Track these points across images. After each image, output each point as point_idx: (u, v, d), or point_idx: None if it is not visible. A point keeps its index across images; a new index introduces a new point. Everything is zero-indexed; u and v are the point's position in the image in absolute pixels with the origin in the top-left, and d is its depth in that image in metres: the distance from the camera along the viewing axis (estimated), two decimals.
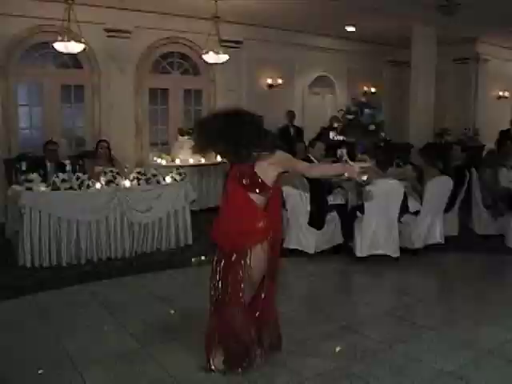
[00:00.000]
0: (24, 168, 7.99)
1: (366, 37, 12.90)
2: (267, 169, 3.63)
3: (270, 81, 12.38)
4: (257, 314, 3.90)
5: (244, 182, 3.63)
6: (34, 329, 4.72)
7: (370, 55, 13.89)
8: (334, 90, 13.80)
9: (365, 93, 13.53)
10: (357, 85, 13.99)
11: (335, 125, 9.78)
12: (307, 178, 6.61)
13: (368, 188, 6.40)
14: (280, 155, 3.67)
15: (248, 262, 3.64)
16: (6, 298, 5.44)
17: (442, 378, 3.77)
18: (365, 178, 3.48)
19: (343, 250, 7.06)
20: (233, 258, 3.67)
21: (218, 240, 3.83)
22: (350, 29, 12.09)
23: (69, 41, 8.12)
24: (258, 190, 3.62)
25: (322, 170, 4.06)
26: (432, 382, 3.73)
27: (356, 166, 3.46)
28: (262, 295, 3.90)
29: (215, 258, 3.83)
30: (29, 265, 6.37)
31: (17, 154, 9.06)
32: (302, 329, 4.70)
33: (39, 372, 3.88)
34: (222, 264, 3.75)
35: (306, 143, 8.27)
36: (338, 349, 4.30)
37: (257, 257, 3.65)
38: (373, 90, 14.26)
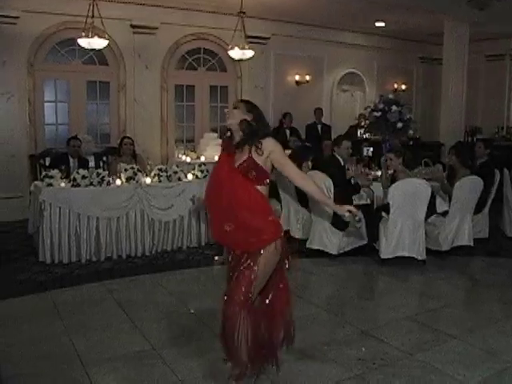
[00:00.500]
0: (48, 164, 8.02)
1: (397, 33, 12.63)
2: (265, 158, 3.31)
3: (297, 77, 12.20)
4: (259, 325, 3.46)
5: (250, 175, 3.29)
6: (48, 325, 4.69)
7: (401, 52, 13.61)
8: (364, 87, 13.55)
9: (395, 90, 13.28)
10: (387, 82, 13.74)
11: (363, 123, 9.56)
12: (332, 178, 6.48)
13: (392, 187, 6.23)
14: (278, 148, 3.38)
15: (260, 264, 3.27)
16: (23, 294, 5.45)
17: None
18: (356, 218, 3.61)
19: (367, 251, 6.88)
20: (243, 261, 3.33)
21: (224, 241, 3.52)
22: (380, 24, 11.85)
23: (92, 37, 8.09)
24: (266, 181, 3.34)
25: (310, 190, 3.51)
26: None
27: (345, 208, 3.44)
28: (267, 301, 3.53)
29: (229, 260, 3.52)
30: (48, 261, 6.37)
31: (42, 150, 9.08)
32: (321, 333, 4.57)
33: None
34: (233, 265, 3.44)
35: None
36: (355, 356, 4.12)
37: (270, 258, 3.29)
38: (403, 87, 13.98)
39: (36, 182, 7.06)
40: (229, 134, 3.44)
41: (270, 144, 3.32)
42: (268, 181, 3.35)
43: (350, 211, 3.44)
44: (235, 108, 3.43)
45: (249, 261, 3.29)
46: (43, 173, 6.74)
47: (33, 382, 3.68)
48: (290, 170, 3.40)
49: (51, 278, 5.98)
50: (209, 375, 3.76)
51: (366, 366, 3.93)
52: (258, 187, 3.30)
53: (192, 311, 5.05)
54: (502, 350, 4.23)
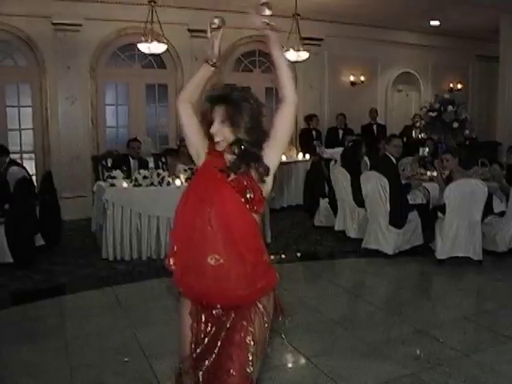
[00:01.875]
0: (109, 165, 8.32)
1: (452, 31, 12.41)
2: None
3: (352, 78, 12.20)
4: None
5: (247, 196, 2.33)
6: (112, 319, 4.95)
7: (456, 50, 13.37)
8: (419, 87, 13.42)
9: (450, 89, 13.09)
10: (442, 81, 13.55)
11: (418, 123, 9.52)
12: (387, 179, 6.51)
13: (449, 187, 6.23)
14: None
15: (257, 324, 2.35)
16: (88, 288, 5.74)
17: None
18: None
19: (423, 251, 6.87)
20: (229, 321, 2.35)
21: (191, 290, 2.38)
22: (434, 23, 11.72)
23: (152, 42, 8.35)
24: (261, 209, 2.39)
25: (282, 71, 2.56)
26: None
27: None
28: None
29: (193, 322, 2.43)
30: (111, 258, 6.63)
31: (104, 152, 9.42)
32: (377, 331, 4.63)
33: (125, 360, 4.04)
34: (212, 331, 2.38)
35: None
36: (411, 354, 4.16)
37: (263, 317, 2.38)
38: (459, 86, 13.76)
39: (99, 182, 7.36)
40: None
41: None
42: (261, 209, 2.40)
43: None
44: (222, 121, 2.37)
45: (241, 319, 2.33)
46: (106, 173, 7.03)
47: (98, 372, 3.88)
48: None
49: (114, 273, 6.26)
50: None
51: (422, 365, 3.97)
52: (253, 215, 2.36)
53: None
54: None
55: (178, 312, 2.46)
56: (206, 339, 2.35)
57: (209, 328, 2.37)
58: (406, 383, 3.70)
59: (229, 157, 2.41)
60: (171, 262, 2.36)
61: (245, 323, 2.32)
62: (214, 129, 2.36)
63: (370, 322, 4.87)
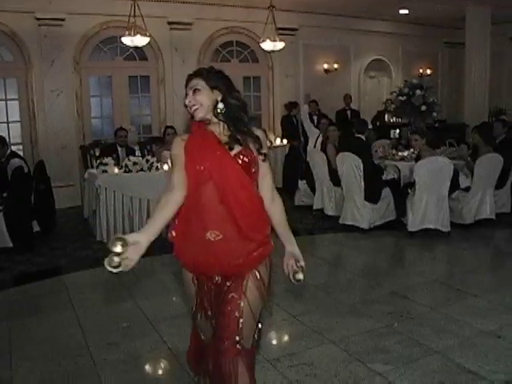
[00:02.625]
0: (97, 153, 8.69)
1: (420, 19, 12.97)
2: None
3: (326, 66, 12.66)
4: None
5: (253, 170, 2.50)
6: (114, 292, 5.41)
7: (426, 37, 13.94)
8: (390, 73, 13.96)
9: (420, 75, 13.64)
10: (412, 67, 14.10)
11: (390, 107, 10.04)
12: (361, 159, 7.01)
13: (418, 165, 6.75)
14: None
15: (246, 298, 2.51)
16: (88, 267, 6.16)
17: (481, 337, 4.08)
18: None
19: (396, 225, 7.38)
20: (228, 288, 2.54)
21: (191, 261, 2.57)
22: (404, 11, 12.23)
23: (135, 35, 8.72)
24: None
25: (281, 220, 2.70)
26: (471, 339, 4.04)
27: None
28: None
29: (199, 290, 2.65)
30: (105, 240, 7.00)
31: (90, 141, 9.77)
32: (355, 294, 5.13)
33: (124, 325, 4.49)
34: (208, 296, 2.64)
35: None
36: (386, 311, 4.66)
37: (259, 286, 2.57)
38: (428, 71, 14.33)
39: (90, 170, 7.76)
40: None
41: (264, 142, 2.56)
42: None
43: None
44: (196, 89, 2.46)
45: (234, 290, 2.50)
46: (98, 161, 7.41)
47: (108, 335, 4.32)
48: (269, 182, 2.62)
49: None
50: None
51: (395, 319, 4.49)
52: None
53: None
54: None
55: (182, 280, 2.72)
56: (209, 305, 2.62)
57: (212, 294, 2.60)
58: (381, 333, 4.20)
59: (217, 129, 2.49)
60: (173, 234, 2.54)
61: (235, 296, 2.46)
62: (187, 100, 2.47)
63: (349, 286, 5.37)
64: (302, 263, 2.65)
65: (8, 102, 9.71)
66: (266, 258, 2.58)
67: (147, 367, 3.88)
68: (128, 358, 3.87)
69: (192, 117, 2.50)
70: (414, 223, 6.92)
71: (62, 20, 9.55)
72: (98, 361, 3.87)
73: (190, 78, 2.52)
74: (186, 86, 2.51)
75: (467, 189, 7.29)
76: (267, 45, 10.08)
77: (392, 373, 3.57)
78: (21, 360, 3.94)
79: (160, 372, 3.91)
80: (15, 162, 7.02)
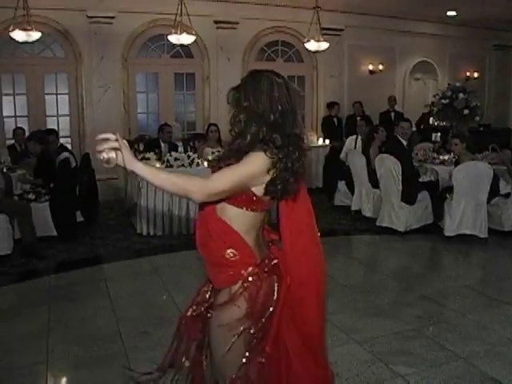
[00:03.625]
0: (141, 148, 8.90)
1: (469, 21, 12.76)
2: None
3: (371, 67, 12.61)
4: None
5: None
6: (149, 283, 5.59)
7: (474, 39, 13.69)
8: (436, 76, 13.80)
9: (467, 78, 13.43)
10: (459, 70, 13.90)
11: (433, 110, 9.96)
12: (399, 161, 7.03)
13: (456, 169, 6.71)
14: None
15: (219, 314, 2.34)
16: (126, 258, 6.43)
17: (509, 345, 4.08)
18: None
19: (433, 229, 7.35)
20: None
21: None
22: (451, 13, 12.07)
23: (181, 33, 8.91)
24: (256, 207, 2.29)
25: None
26: (498, 347, 4.03)
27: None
28: None
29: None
30: (145, 233, 7.27)
31: (135, 136, 10.01)
32: (385, 296, 5.19)
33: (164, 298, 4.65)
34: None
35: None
36: (415, 314, 4.69)
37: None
38: (475, 74, 14.10)
39: None
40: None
41: None
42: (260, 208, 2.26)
43: None
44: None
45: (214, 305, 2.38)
46: (140, 155, 7.61)
47: (139, 324, 4.50)
48: None
49: (148, 246, 6.90)
50: None
51: (423, 323, 4.52)
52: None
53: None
54: None
55: None
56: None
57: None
58: (408, 336, 4.25)
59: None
60: None
61: (211, 312, 2.35)
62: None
63: (380, 288, 5.42)
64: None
65: (58, 96, 10.06)
66: (238, 280, 2.24)
67: None
68: (158, 346, 4.01)
69: None
70: (450, 228, 6.89)
71: (112, 18, 9.82)
72: (128, 348, 4.04)
73: None
74: None
75: (507, 195, 7.21)
76: (312, 45, 10.13)
77: (414, 376, 3.61)
78: (57, 343, 4.17)
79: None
80: (64, 155, 7.29)
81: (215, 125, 8.79)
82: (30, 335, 4.31)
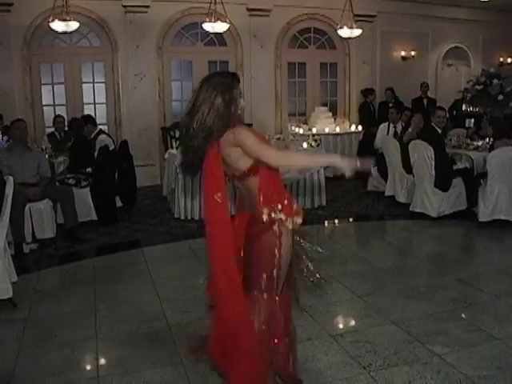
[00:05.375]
0: (177, 135, 9.05)
1: (502, 5, 12.56)
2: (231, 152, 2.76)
3: (403, 53, 12.56)
4: None
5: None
6: (189, 265, 5.81)
7: (507, 25, 13.45)
8: (469, 62, 13.68)
9: (501, 63, 13.27)
10: (492, 55, 13.71)
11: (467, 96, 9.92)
12: (432, 148, 7.06)
13: (490, 155, 6.72)
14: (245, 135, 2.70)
15: None
16: (166, 242, 6.63)
17: None
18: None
19: (467, 215, 7.34)
20: None
21: None
22: None
23: (215, 21, 9.03)
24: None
25: (293, 160, 2.92)
26: None
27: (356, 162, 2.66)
28: None
29: None
30: (182, 217, 7.46)
31: (171, 123, 10.19)
32: (420, 279, 5.28)
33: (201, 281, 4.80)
34: None
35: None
36: (449, 297, 4.76)
37: None
38: (509, 60, 13.89)
39: (170, 150, 8.17)
40: None
41: None
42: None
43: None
44: None
45: None
46: (178, 142, 7.77)
47: (181, 304, 4.67)
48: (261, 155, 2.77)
49: (185, 230, 7.08)
50: None
51: (457, 305, 4.59)
52: None
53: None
54: None
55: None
56: None
57: None
58: (443, 317, 4.33)
59: None
60: None
61: None
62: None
63: (414, 271, 5.50)
64: None
65: (95, 84, 10.30)
66: None
67: None
68: (198, 323, 4.18)
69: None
70: (484, 213, 6.89)
71: (147, 7, 9.98)
72: (172, 325, 4.23)
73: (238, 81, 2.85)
74: (236, 88, 2.79)
75: None
76: (344, 32, 10.16)
77: (450, 355, 3.69)
78: (104, 320, 4.38)
79: None
80: (102, 138, 7.51)
81: None
82: (78, 313, 4.52)
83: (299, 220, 2.88)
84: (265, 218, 2.80)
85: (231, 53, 11.04)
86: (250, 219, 2.91)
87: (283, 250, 2.83)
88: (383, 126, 9.41)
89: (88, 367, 3.75)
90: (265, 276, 2.84)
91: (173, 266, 5.81)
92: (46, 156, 7.43)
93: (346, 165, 2.62)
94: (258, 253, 2.85)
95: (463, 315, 4.39)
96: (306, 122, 11.17)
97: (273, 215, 2.80)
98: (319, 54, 11.75)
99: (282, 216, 2.81)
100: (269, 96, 11.30)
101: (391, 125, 9.21)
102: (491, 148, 7.09)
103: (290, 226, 2.84)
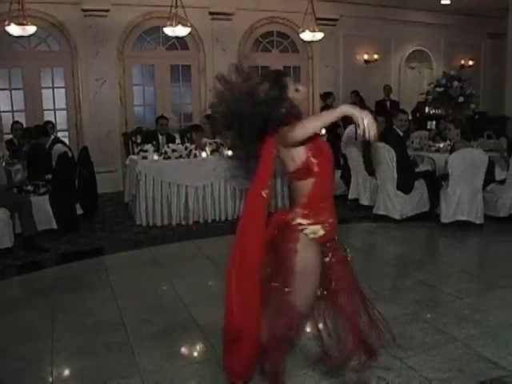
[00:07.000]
0: (139, 140, 8.95)
1: (463, 9, 12.76)
2: None
3: (366, 56, 12.64)
4: None
5: None
6: (150, 273, 5.67)
7: (468, 28, 13.69)
8: (431, 64, 13.85)
9: (462, 66, 13.46)
10: (454, 58, 13.94)
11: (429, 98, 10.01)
12: (394, 150, 7.08)
13: (451, 157, 6.77)
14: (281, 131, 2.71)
15: None
16: (127, 249, 6.51)
17: (504, 328, 4.14)
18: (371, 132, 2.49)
19: (429, 216, 7.39)
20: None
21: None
22: (445, 1, 12.07)
23: (176, 25, 8.94)
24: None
25: (309, 125, 2.55)
26: (493, 330, 4.10)
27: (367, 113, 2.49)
28: None
29: None
30: (144, 224, 7.33)
31: (132, 129, 10.05)
32: (383, 282, 5.26)
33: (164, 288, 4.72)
34: None
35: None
36: (412, 299, 4.76)
37: None
38: (470, 62, 14.13)
39: (131, 156, 8.04)
40: None
41: None
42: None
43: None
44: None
45: None
46: (138, 148, 7.67)
47: (141, 313, 4.56)
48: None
49: (148, 237, 6.97)
50: None
51: (420, 307, 4.59)
52: None
53: None
54: None
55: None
56: None
57: None
58: (406, 320, 4.31)
59: None
60: None
61: None
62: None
63: (378, 274, 5.48)
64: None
65: (55, 89, 10.10)
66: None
67: (176, 343, 4.08)
68: (159, 334, 4.10)
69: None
70: (447, 215, 6.95)
71: (107, 11, 9.83)
72: (131, 335, 4.11)
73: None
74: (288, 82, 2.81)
75: (503, 181, 7.26)
76: (306, 35, 10.18)
77: (412, 358, 3.67)
78: (61, 331, 4.25)
79: (188, 348, 4.12)
80: (59, 147, 7.35)
81: (211, 116, 8.81)
82: (35, 325, 4.38)
83: (321, 232, 2.84)
84: (293, 222, 2.81)
85: (193, 57, 10.96)
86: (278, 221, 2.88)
87: (302, 259, 2.78)
88: (350, 128, 9.40)
89: (44, 380, 3.63)
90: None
91: (134, 273, 5.71)
92: (4, 164, 7.25)
93: (358, 111, 2.48)
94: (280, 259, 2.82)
95: (426, 317, 4.39)
96: None
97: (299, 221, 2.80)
98: (282, 58, 11.74)
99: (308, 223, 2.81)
100: None
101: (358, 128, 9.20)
102: (452, 150, 7.15)
103: (312, 236, 2.81)
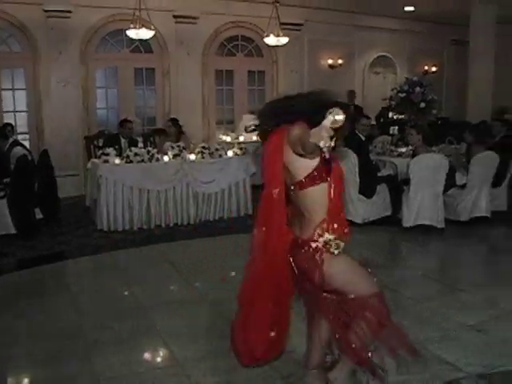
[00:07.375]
0: (101, 144, 8.84)
1: (426, 16, 13.01)
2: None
3: (330, 61, 12.73)
4: None
5: None
6: (111, 278, 5.57)
7: (431, 34, 13.93)
8: (395, 70, 14.02)
9: (425, 72, 13.66)
10: (417, 64, 14.15)
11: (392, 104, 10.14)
12: (356, 154, 7.13)
13: (413, 161, 6.85)
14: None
15: None
16: (88, 254, 6.37)
17: (463, 330, 4.18)
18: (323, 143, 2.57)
19: (391, 221, 7.43)
20: None
21: None
22: (409, 8, 12.27)
23: (140, 28, 8.86)
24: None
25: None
26: (452, 332, 4.14)
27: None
28: None
29: None
30: (105, 229, 7.21)
31: (95, 132, 9.93)
32: None
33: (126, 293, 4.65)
34: None
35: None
36: None
37: None
38: (433, 69, 14.36)
39: (93, 160, 7.93)
40: None
41: None
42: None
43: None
44: None
45: None
46: (100, 151, 7.57)
47: (101, 319, 4.47)
48: None
49: (109, 242, 6.85)
50: None
51: None
52: None
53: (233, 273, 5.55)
54: (503, 301, 4.77)
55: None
56: None
57: None
58: None
59: None
60: None
61: None
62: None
63: None
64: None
65: (15, 91, 9.91)
66: None
67: (136, 349, 4.01)
68: (119, 340, 4.02)
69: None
70: (408, 219, 7.01)
71: (69, 12, 9.71)
72: (90, 342, 4.03)
73: None
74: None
75: (463, 186, 7.37)
76: (271, 40, 10.21)
77: None
78: (19, 338, 4.14)
79: (148, 354, 4.05)
80: (18, 150, 7.20)
81: (175, 119, 8.77)
82: None
83: (342, 244, 2.92)
84: (314, 245, 2.75)
85: (157, 60, 10.89)
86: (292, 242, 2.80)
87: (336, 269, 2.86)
88: None
89: None
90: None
91: (95, 279, 5.65)
92: None
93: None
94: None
95: None
96: (233, 130, 11.11)
97: (320, 239, 2.74)
98: (247, 62, 11.75)
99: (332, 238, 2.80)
100: (196, 104, 11.19)
101: None
102: (414, 154, 7.23)
103: (337, 251, 2.84)
